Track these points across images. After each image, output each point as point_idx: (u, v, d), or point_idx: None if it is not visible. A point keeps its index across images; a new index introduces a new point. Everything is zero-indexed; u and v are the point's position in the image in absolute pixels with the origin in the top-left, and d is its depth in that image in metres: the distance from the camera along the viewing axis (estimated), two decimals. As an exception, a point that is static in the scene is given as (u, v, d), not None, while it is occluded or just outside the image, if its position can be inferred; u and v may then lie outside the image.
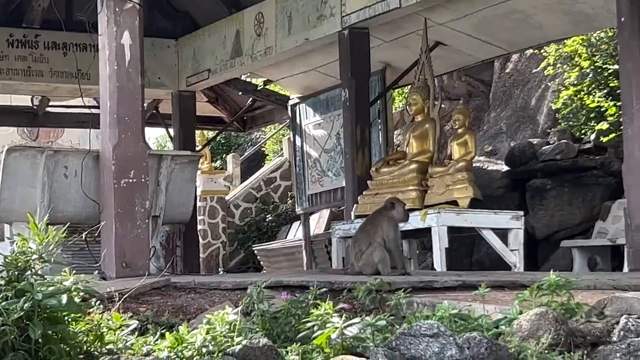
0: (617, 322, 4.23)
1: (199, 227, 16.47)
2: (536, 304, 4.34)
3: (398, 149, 11.51)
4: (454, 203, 9.14)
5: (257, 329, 4.54)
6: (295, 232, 15.84)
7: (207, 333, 3.43)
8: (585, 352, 4.11)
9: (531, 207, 11.62)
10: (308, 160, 13.03)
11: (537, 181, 11.70)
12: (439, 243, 8.83)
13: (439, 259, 8.83)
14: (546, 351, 3.96)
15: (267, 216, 17.79)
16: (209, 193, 17.65)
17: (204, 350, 3.41)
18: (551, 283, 4.44)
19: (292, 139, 13.86)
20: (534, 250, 11.56)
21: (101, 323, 3.93)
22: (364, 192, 10.03)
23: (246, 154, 22.23)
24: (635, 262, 8.06)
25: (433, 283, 5.82)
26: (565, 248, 10.91)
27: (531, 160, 11.98)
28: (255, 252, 15.23)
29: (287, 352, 3.91)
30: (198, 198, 16.57)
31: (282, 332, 4.55)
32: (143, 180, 7.09)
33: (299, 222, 14.88)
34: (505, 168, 12.35)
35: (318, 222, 15.36)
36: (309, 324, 3.86)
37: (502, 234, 9.27)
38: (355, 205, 10.11)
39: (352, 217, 10.11)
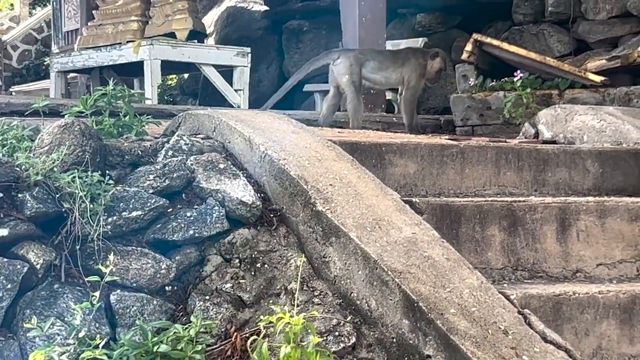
0: (169, 141, 3.59)
1: (-28, 68, 15.19)
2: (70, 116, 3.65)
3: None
4: (173, 35, 8.36)
5: None
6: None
7: None
8: (123, 173, 3.46)
9: (287, 50, 10.92)
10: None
11: (294, 22, 10.92)
12: (151, 78, 8.06)
13: (150, 95, 8.07)
14: (60, 169, 3.27)
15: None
16: (-17, 32, 16.26)
17: None
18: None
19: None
20: (291, 97, 10.90)
21: None
22: (88, 24, 9.15)
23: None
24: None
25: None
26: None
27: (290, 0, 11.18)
28: (13, 93, 14.10)
29: None
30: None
31: None
32: None
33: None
34: (265, 8, 11.52)
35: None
36: None
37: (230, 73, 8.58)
38: (79, 37, 9.23)
39: (76, 49, 9.23)
